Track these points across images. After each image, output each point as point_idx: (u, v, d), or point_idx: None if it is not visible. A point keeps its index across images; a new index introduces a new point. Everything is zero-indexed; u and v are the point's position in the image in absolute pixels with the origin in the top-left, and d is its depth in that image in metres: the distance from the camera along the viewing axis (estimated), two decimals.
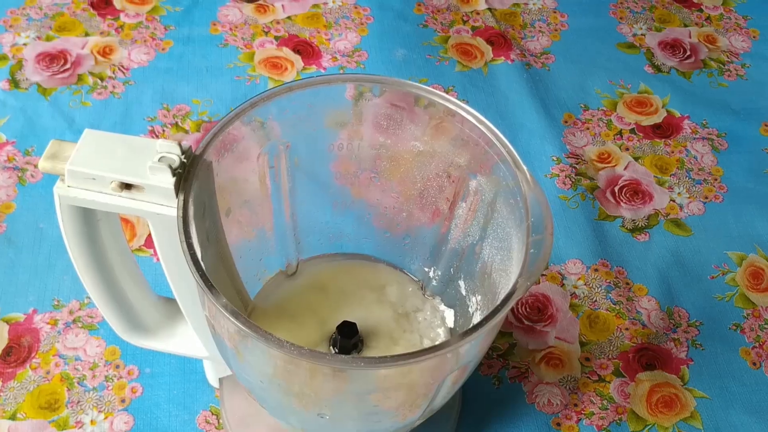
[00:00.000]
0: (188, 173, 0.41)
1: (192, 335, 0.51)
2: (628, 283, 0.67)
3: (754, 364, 0.64)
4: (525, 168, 0.43)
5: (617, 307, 0.66)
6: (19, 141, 0.72)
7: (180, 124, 0.75)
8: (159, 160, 0.40)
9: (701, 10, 0.93)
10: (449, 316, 0.55)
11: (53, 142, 0.41)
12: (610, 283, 0.67)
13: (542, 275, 0.67)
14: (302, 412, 0.46)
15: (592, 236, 0.70)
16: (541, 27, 0.88)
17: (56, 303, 0.62)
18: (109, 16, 0.84)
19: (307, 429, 0.51)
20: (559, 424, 0.59)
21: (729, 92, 0.84)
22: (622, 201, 0.73)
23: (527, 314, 0.65)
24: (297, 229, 0.55)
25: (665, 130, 0.79)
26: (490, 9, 0.89)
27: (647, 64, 0.86)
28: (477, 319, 0.51)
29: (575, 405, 0.60)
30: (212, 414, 0.58)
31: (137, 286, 0.49)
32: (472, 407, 0.60)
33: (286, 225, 0.54)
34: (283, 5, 0.87)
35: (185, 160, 0.41)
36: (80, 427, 0.57)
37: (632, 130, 0.79)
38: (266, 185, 0.50)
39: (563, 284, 0.67)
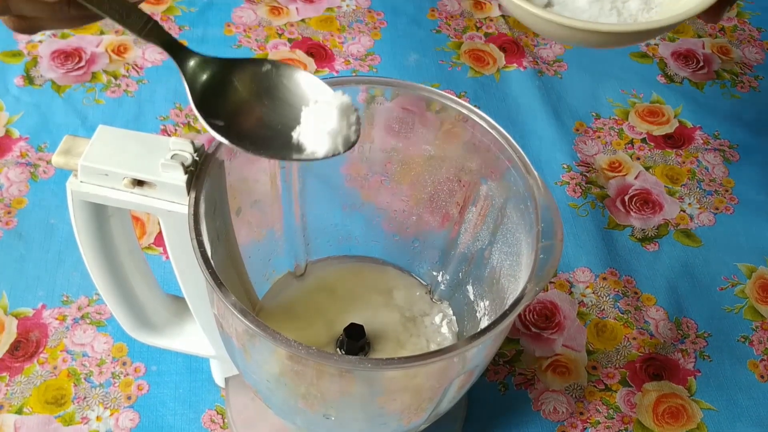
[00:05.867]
0: (200, 171, 0.41)
1: (199, 334, 0.51)
2: (636, 293, 0.67)
3: (762, 377, 0.63)
4: (536, 174, 0.43)
5: (625, 317, 0.66)
6: (33, 137, 0.72)
7: (192, 123, 0.75)
8: (171, 158, 0.40)
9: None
10: (456, 321, 0.55)
11: (67, 138, 0.41)
12: (618, 292, 0.67)
13: (550, 282, 0.67)
14: (308, 412, 0.46)
15: (601, 245, 0.70)
16: None
17: (65, 299, 0.63)
18: None
19: (313, 430, 0.51)
20: None
21: (741, 104, 0.83)
22: (632, 210, 0.73)
23: (534, 321, 0.65)
24: (306, 231, 0.55)
25: (677, 140, 0.79)
26: (503, 16, 0.89)
27: (660, 74, 0.85)
28: (484, 324, 0.50)
29: (581, 413, 0.60)
30: (218, 413, 0.58)
31: (146, 284, 0.50)
32: (477, 413, 0.60)
33: (296, 226, 0.54)
34: (297, 8, 0.87)
35: (198, 158, 0.41)
36: (86, 423, 0.57)
37: (644, 140, 0.79)
38: (277, 186, 0.50)
39: (571, 292, 0.67)
